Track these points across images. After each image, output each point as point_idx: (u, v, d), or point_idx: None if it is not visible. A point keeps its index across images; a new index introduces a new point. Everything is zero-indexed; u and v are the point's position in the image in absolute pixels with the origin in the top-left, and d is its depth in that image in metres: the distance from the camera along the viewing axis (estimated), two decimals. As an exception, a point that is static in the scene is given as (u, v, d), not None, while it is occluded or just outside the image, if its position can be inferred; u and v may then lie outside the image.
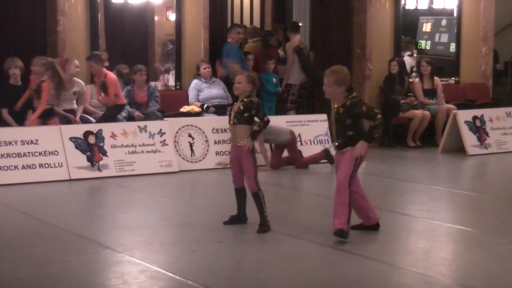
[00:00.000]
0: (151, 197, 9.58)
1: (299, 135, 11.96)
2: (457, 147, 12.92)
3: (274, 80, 13.37)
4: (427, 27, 16.61)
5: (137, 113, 11.78)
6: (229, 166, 7.71)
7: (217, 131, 11.43)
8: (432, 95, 13.93)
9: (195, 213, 8.64)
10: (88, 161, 10.49)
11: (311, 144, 12.01)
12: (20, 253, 6.88)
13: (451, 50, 15.72)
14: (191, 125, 11.41)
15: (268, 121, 7.75)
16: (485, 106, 14.18)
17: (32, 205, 8.94)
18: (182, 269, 6.42)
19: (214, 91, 12.49)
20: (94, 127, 10.78)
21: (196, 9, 12.77)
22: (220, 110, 12.26)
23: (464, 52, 15.07)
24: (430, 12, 16.06)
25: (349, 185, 7.29)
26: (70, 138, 10.49)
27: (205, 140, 11.39)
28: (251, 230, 7.63)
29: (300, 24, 16.79)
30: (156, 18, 15.32)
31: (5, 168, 10.03)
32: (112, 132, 10.74)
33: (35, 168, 10.20)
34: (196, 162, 11.26)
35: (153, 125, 11.12)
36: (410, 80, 14.16)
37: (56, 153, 10.35)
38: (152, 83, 12.85)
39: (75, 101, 11.49)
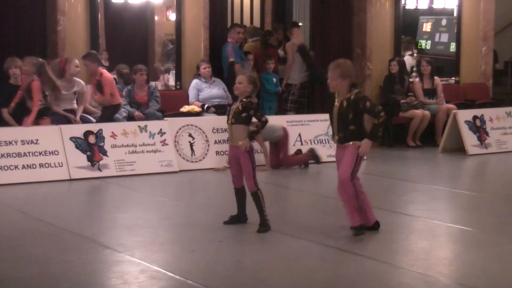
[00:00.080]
0: (151, 197, 9.58)
1: (299, 135, 11.96)
2: (457, 146, 12.92)
3: (274, 80, 13.37)
4: (427, 26, 16.62)
5: (137, 113, 11.78)
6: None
7: (217, 131, 11.43)
8: (432, 95, 13.93)
9: (195, 213, 8.64)
10: (88, 161, 10.50)
11: (311, 144, 12.00)
12: (20, 253, 6.88)
13: (451, 50, 15.73)
14: (191, 125, 11.41)
15: (266, 121, 7.76)
16: (485, 106, 14.18)
17: (32, 205, 8.94)
18: (182, 268, 6.42)
19: (214, 91, 12.49)
20: (94, 127, 10.78)
21: (196, 9, 12.78)
22: (220, 110, 12.26)
23: (464, 52, 15.07)
24: (430, 11, 16.07)
25: (351, 180, 7.29)
26: (70, 138, 10.49)
27: (205, 140, 11.39)
28: (251, 230, 7.64)
29: (300, 24, 16.79)
30: (156, 18, 15.34)
31: (5, 168, 10.03)
32: (112, 132, 10.75)
33: (35, 168, 10.20)
34: (196, 162, 11.26)
35: (153, 125, 11.12)
36: (410, 80, 14.15)
37: (56, 153, 10.35)
38: (152, 83, 12.85)
39: (75, 101, 11.48)
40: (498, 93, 16.30)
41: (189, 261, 6.69)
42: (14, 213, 8.56)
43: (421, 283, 6.09)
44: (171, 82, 13.58)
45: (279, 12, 18.96)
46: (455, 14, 15.39)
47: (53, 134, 10.46)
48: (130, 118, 11.73)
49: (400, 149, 13.46)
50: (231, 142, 7.78)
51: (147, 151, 10.90)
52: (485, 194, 9.92)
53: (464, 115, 13.09)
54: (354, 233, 7.37)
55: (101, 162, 10.54)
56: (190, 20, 12.79)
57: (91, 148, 10.55)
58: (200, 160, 11.29)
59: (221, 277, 6.27)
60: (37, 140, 10.31)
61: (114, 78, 13.02)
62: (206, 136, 11.40)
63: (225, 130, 10.91)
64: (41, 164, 10.23)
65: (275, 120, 12.02)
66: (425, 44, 16.60)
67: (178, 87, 12.97)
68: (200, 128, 11.42)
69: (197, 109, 12.23)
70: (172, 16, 14.03)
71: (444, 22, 16.27)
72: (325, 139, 12.01)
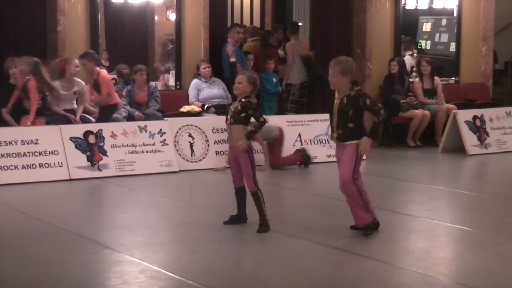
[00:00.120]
0: (151, 197, 9.58)
1: (299, 135, 11.96)
2: (457, 146, 12.92)
3: (274, 80, 13.38)
4: (427, 26, 16.62)
5: (137, 113, 11.78)
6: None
7: (217, 131, 11.43)
8: (432, 95, 13.92)
9: (195, 213, 8.64)
10: (88, 161, 10.49)
11: (311, 144, 12.00)
12: (20, 253, 6.88)
13: (451, 50, 15.73)
14: (191, 125, 11.41)
15: (265, 121, 7.74)
16: (485, 106, 14.18)
17: (32, 205, 8.94)
18: (182, 268, 6.42)
19: (214, 91, 12.49)
20: (94, 126, 10.78)
21: (196, 9, 12.78)
22: (220, 110, 12.25)
23: (464, 51, 15.07)
24: (430, 11, 16.07)
25: (353, 179, 7.29)
26: (70, 138, 10.49)
27: (205, 140, 11.39)
28: (251, 230, 7.63)
29: (300, 24, 16.79)
30: (156, 17, 15.34)
31: (5, 168, 10.03)
32: (112, 132, 10.74)
33: (35, 168, 10.20)
34: (196, 162, 11.26)
35: (153, 125, 11.12)
36: (410, 80, 14.15)
37: (56, 153, 10.35)
38: (152, 83, 12.85)
39: (75, 101, 11.48)
40: (498, 93, 16.31)
41: (189, 261, 6.69)
42: (14, 213, 8.56)
43: (421, 283, 6.09)
44: (171, 82, 13.59)
45: (279, 12, 18.97)
46: (455, 14, 15.39)
47: (53, 134, 10.46)
48: (130, 118, 11.73)
49: (400, 149, 13.46)
50: (231, 142, 7.78)
51: (147, 151, 10.89)
52: (485, 194, 9.92)
53: (464, 115, 13.09)
54: (364, 233, 7.37)
55: (101, 162, 10.54)
56: (190, 20, 12.79)
57: (91, 148, 10.55)
58: (200, 160, 11.29)
59: (221, 277, 6.27)
60: (37, 140, 10.31)
61: (114, 78, 13.04)
62: (206, 136, 11.40)
63: (225, 130, 10.93)
64: (41, 164, 10.23)
65: (275, 120, 12.03)
66: (425, 44, 16.60)
67: (178, 87, 12.97)
68: (200, 128, 11.41)
69: (197, 109, 12.23)
70: (172, 16, 14.03)
71: (444, 22, 16.27)
72: (325, 139, 12.00)
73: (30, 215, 8.37)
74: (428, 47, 16.53)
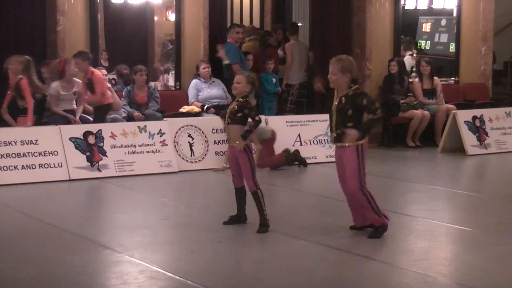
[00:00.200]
0: (150, 197, 9.58)
1: (299, 135, 11.97)
2: (457, 147, 12.92)
3: (274, 80, 13.38)
4: (426, 27, 16.61)
5: (136, 113, 11.78)
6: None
7: (216, 131, 11.42)
8: (432, 95, 13.93)
9: (194, 213, 8.64)
10: (87, 161, 10.49)
11: (311, 144, 12.01)
12: (19, 253, 6.88)
13: (450, 50, 15.72)
14: (191, 125, 11.41)
15: (260, 120, 7.73)
16: (484, 106, 14.18)
17: (32, 205, 8.94)
18: (182, 269, 6.42)
19: (214, 91, 12.49)
20: (93, 127, 10.77)
21: (195, 9, 12.77)
22: (219, 110, 12.24)
23: (464, 52, 15.07)
24: (430, 12, 16.07)
25: (362, 187, 7.28)
26: (70, 138, 10.49)
27: (205, 140, 11.39)
28: (251, 230, 7.63)
29: (299, 24, 16.81)
30: (155, 18, 15.33)
31: (5, 168, 10.03)
32: (111, 132, 10.75)
33: (35, 168, 10.20)
34: (195, 162, 11.26)
35: (153, 125, 11.12)
36: (410, 80, 14.15)
37: (55, 153, 10.35)
38: (152, 83, 12.85)
39: (74, 102, 11.46)
40: (498, 93, 16.31)
41: (188, 262, 6.69)
42: (14, 213, 8.56)
43: (420, 283, 6.09)
44: (171, 82, 13.58)
45: (278, 12, 18.98)
46: (454, 14, 15.38)
47: (53, 134, 10.46)
48: (130, 118, 11.72)
49: (400, 149, 13.46)
50: (229, 142, 7.79)
51: (147, 152, 10.89)
52: (484, 194, 9.92)
53: (464, 115, 13.09)
54: (369, 236, 7.36)
55: (100, 163, 10.54)
56: (189, 20, 12.79)
57: (91, 148, 10.55)
58: (200, 160, 11.29)
59: (221, 277, 6.27)
60: (37, 140, 10.31)
61: (114, 79, 13.04)
62: (205, 136, 11.40)
63: (221, 130, 10.95)
64: (40, 165, 10.23)
65: (275, 121, 12.05)
66: (425, 44, 16.59)
67: (177, 87, 12.97)
68: (199, 129, 11.42)
69: (197, 109, 12.23)
70: (172, 16, 14.03)
71: (443, 22, 16.26)
72: (324, 139, 12.01)
73: (30, 215, 8.37)
74: (427, 47, 16.53)
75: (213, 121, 11.62)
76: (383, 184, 10.42)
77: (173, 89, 13.16)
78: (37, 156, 10.25)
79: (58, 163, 10.33)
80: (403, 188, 10.29)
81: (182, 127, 11.33)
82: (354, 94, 7.27)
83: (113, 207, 9.23)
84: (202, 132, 11.40)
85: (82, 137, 10.54)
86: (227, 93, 12.40)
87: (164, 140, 11.06)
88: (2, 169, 10.01)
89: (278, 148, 11.54)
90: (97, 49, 12.29)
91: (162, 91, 12.88)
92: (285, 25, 16.21)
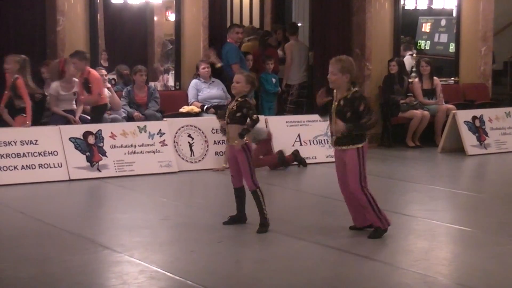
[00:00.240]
0: (150, 197, 9.58)
1: (299, 135, 11.96)
2: (457, 147, 12.92)
3: (274, 80, 13.39)
4: (426, 27, 16.60)
5: (136, 113, 11.78)
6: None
7: (216, 131, 11.41)
8: (432, 95, 13.93)
9: (194, 213, 8.64)
10: (87, 161, 10.49)
11: (310, 144, 12.01)
12: (20, 253, 6.88)
13: (450, 50, 15.72)
14: (191, 125, 11.41)
15: (257, 120, 7.72)
16: (484, 106, 14.18)
17: (31, 205, 8.94)
18: (182, 269, 6.42)
19: (213, 91, 12.49)
20: (93, 127, 10.77)
21: (195, 9, 12.77)
22: (219, 110, 12.23)
23: (464, 52, 15.07)
24: (430, 12, 16.06)
25: (363, 187, 7.28)
26: (70, 138, 10.49)
27: (205, 141, 11.39)
28: (251, 230, 7.63)
29: (299, 24, 16.81)
30: (155, 18, 15.32)
31: (5, 168, 10.03)
32: (111, 133, 10.75)
33: (35, 168, 10.20)
34: (195, 162, 11.26)
35: (153, 126, 11.12)
36: (410, 80, 14.15)
37: (55, 153, 10.35)
38: (152, 84, 12.85)
39: (74, 102, 11.46)
40: (497, 93, 16.30)
41: (188, 262, 6.70)
42: (14, 214, 8.56)
43: (420, 283, 6.10)
44: (171, 82, 13.58)
45: (278, 12, 18.98)
46: (454, 15, 15.38)
47: (53, 134, 10.46)
48: (129, 118, 11.72)
49: (400, 149, 13.46)
50: (229, 141, 7.80)
51: (147, 152, 10.90)
52: (484, 194, 9.92)
53: (464, 116, 13.09)
54: (369, 236, 7.36)
55: (100, 163, 10.54)
56: (189, 20, 12.78)
57: (91, 148, 10.55)
58: (200, 160, 11.29)
59: (220, 277, 6.28)
60: (37, 140, 10.31)
61: (114, 79, 13.03)
62: (205, 136, 11.40)
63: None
64: (40, 165, 10.23)
65: (275, 121, 12.05)
66: (424, 44, 16.59)
67: (177, 87, 12.97)
68: (199, 129, 11.42)
69: (196, 109, 12.23)
70: (172, 17, 14.02)
71: (443, 22, 16.26)
72: (324, 140, 12.00)
73: (30, 216, 8.37)
74: (427, 48, 16.52)
75: (213, 121, 11.59)
76: (383, 184, 10.42)
77: (173, 89, 13.16)
78: (37, 156, 10.25)
79: (58, 163, 10.33)
80: (403, 188, 10.29)
81: (182, 127, 11.34)
82: (353, 98, 7.26)
83: (113, 207, 9.24)
84: (202, 132, 11.40)
85: (82, 137, 10.54)
86: (227, 93, 12.39)
87: (164, 140, 11.06)
88: (2, 169, 10.01)
89: (279, 148, 11.54)
90: (97, 49, 12.28)
91: (162, 91, 12.87)
92: (285, 25, 16.21)
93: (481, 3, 14.88)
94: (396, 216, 8.38)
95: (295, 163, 11.54)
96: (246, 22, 18.22)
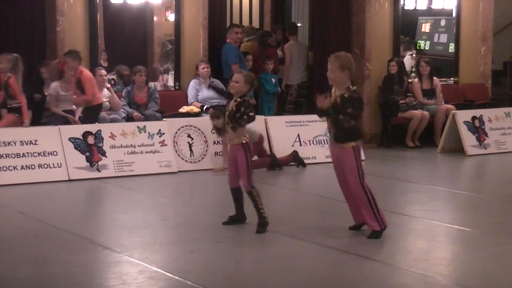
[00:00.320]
0: (150, 198, 9.58)
1: (298, 135, 11.96)
2: (456, 147, 12.92)
3: (273, 80, 13.39)
4: (426, 27, 16.60)
5: (136, 113, 11.78)
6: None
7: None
8: (431, 95, 13.93)
9: (194, 213, 8.64)
10: (87, 161, 10.49)
11: (310, 144, 12.01)
12: (19, 253, 6.88)
13: (450, 50, 15.72)
14: (190, 126, 11.41)
15: (254, 117, 7.69)
16: (484, 106, 14.18)
17: (31, 206, 8.94)
18: (181, 269, 6.42)
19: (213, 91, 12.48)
20: (93, 127, 10.77)
21: (195, 10, 12.77)
22: (212, 110, 12.21)
23: (463, 52, 15.07)
24: (429, 12, 16.06)
25: (362, 184, 7.30)
26: (69, 139, 10.49)
27: (204, 141, 11.39)
28: (250, 230, 7.63)
29: (299, 24, 16.81)
30: (155, 18, 15.32)
31: (4, 168, 10.03)
32: (111, 133, 10.74)
33: (34, 168, 10.20)
34: (195, 162, 11.26)
35: (152, 126, 11.12)
36: (409, 80, 14.15)
37: (55, 153, 10.35)
38: (151, 84, 12.85)
39: (74, 102, 11.47)
40: (497, 94, 16.30)
41: (188, 262, 6.70)
42: (13, 214, 8.56)
43: (420, 284, 6.10)
44: (170, 82, 13.58)
45: (278, 12, 18.97)
46: (454, 15, 15.38)
47: (52, 134, 10.46)
48: (129, 118, 11.72)
49: (399, 149, 13.46)
50: (230, 142, 7.80)
51: (146, 152, 10.89)
52: (484, 195, 9.93)
53: (463, 116, 13.09)
54: (368, 236, 7.36)
55: (100, 163, 10.54)
56: (189, 21, 12.79)
57: (90, 148, 10.55)
58: (199, 160, 11.29)
59: (220, 277, 6.28)
60: (36, 140, 10.31)
61: (113, 79, 13.03)
62: (205, 136, 11.39)
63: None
64: (40, 165, 10.23)
65: (275, 121, 12.06)
66: (424, 44, 16.58)
67: (177, 87, 12.97)
68: (199, 129, 11.41)
69: (196, 109, 12.23)
70: (171, 17, 14.02)
71: (443, 22, 16.25)
72: (324, 140, 12.00)
73: (29, 216, 8.37)
74: (427, 48, 16.52)
75: (213, 121, 11.62)
76: (383, 184, 10.42)
77: (173, 89, 13.16)
78: (36, 156, 10.25)
79: (57, 163, 10.32)
80: (403, 188, 10.29)
81: (182, 127, 11.33)
82: (348, 98, 7.23)
83: (112, 207, 9.24)
84: (202, 132, 11.39)
85: (81, 137, 10.54)
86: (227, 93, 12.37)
87: (164, 140, 11.06)
88: (1, 169, 10.00)
89: (278, 148, 11.55)
90: (96, 49, 12.28)
91: (162, 91, 12.87)
92: (285, 25, 16.21)
93: (481, 3, 14.88)
94: (396, 216, 8.39)
95: (293, 163, 11.53)
96: (245, 22, 18.22)
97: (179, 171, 10.99)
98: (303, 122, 12.15)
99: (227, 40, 12.90)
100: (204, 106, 12.32)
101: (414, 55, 15.61)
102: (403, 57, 14.83)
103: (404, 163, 12.52)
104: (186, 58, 12.83)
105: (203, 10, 12.79)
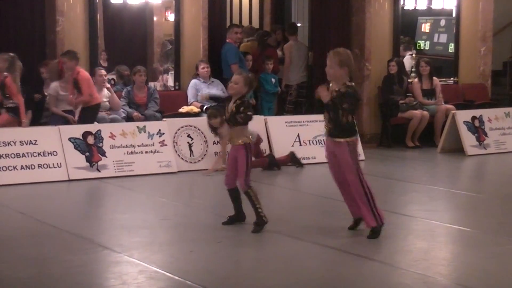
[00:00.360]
0: (150, 198, 9.58)
1: (298, 135, 11.96)
2: (456, 147, 12.92)
3: (273, 80, 13.38)
4: (426, 27, 16.61)
5: (135, 113, 11.78)
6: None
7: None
8: (431, 95, 13.93)
9: (194, 213, 8.64)
10: (87, 161, 10.49)
11: (310, 144, 12.01)
12: (19, 253, 6.88)
13: (450, 50, 15.72)
14: (190, 126, 11.41)
15: (251, 116, 7.69)
16: (484, 106, 14.18)
17: (31, 206, 8.94)
18: (181, 269, 6.42)
19: (213, 91, 12.49)
20: (93, 127, 10.77)
21: (195, 10, 12.77)
22: (209, 109, 12.21)
23: (463, 52, 15.08)
24: (429, 12, 16.06)
25: (359, 176, 7.32)
26: (69, 139, 10.49)
27: (204, 141, 11.39)
28: (250, 231, 7.63)
29: (298, 24, 16.81)
30: (155, 18, 15.33)
31: (4, 168, 10.03)
32: (111, 133, 10.74)
33: (34, 168, 10.20)
34: (195, 162, 11.26)
35: (152, 126, 11.12)
36: (409, 80, 14.15)
37: (55, 153, 10.35)
38: (151, 84, 12.85)
39: (74, 102, 11.47)
40: (497, 94, 16.30)
41: (187, 262, 6.70)
42: (13, 214, 8.56)
43: (420, 284, 6.10)
44: (170, 82, 13.58)
45: (278, 12, 18.97)
46: (453, 15, 15.39)
47: (52, 134, 10.46)
48: (129, 118, 11.72)
49: (399, 149, 13.46)
50: (231, 142, 7.80)
51: (146, 152, 10.90)
52: (483, 195, 9.93)
53: (463, 116, 13.10)
54: (368, 236, 7.36)
55: (99, 163, 10.54)
56: (189, 21, 12.79)
57: (90, 148, 10.55)
58: (199, 160, 11.29)
59: (220, 277, 6.28)
60: (36, 140, 10.31)
61: (113, 79, 13.03)
62: (204, 136, 11.39)
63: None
64: (39, 165, 10.23)
65: (274, 121, 12.05)
66: (424, 44, 16.59)
67: (177, 87, 12.97)
68: (198, 129, 11.41)
69: (196, 109, 12.23)
70: (171, 17, 14.02)
71: (443, 22, 16.26)
72: (323, 140, 11.98)
73: (29, 216, 8.37)
74: (427, 48, 16.52)
75: (213, 121, 11.62)
76: (382, 184, 10.42)
77: (173, 89, 13.16)
78: (36, 156, 10.25)
79: (57, 163, 10.33)
80: (402, 188, 10.30)
81: (182, 127, 11.33)
82: (344, 93, 7.23)
83: (112, 207, 9.24)
84: (202, 132, 11.39)
85: (81, 137, 10.54)
86: (227, 93, 12.37)
87: (164, 140, 11.06)
88: (1, 169, 10.00)
89: (278, 148, 11.56)
90: (96, 49, 12.28)
91: (162, 91, 12.88)
92: (284, 26, 16.21)
93: (481, 3, 14.88)
94: (396, 216, 8.39)
95: (290, 164, 11.52)
96: (245, 22, 18.21)
97: (179, 171, 10.99)
98: (303, 122, 12.15)
99: (227, 40, 12.90)
100: (204, 106, 12.32)
101: (414, 55, 15.61)
102: (403, 57, 14.82)
103: (404, 163, 12.52)
104: (186, 58, 12.83)
105: (203, 10, 12.80)
